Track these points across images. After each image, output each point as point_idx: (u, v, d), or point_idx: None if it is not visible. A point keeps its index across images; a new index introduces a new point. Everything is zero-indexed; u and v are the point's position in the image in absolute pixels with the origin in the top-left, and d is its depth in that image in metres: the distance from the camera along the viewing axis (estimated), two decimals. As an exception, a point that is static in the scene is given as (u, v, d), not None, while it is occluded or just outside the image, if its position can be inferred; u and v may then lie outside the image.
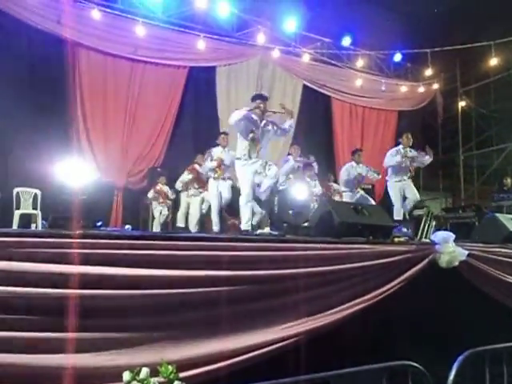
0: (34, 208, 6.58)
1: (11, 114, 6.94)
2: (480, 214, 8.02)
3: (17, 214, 6.48)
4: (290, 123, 4.83)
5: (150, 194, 7.77)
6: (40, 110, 7.25)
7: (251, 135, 4.58)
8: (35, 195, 6.61)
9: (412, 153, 6.51)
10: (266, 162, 4.71)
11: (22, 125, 6.85)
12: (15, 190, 6.67)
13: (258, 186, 4.63)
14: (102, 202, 7.50)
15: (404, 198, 6.53)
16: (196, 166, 7.38)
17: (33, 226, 6.04)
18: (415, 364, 1.78)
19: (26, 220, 6.38)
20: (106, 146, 8.21)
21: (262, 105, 4.67)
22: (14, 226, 6.11)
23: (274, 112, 4.76)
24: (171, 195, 7.81)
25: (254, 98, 4.84)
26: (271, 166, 4.74)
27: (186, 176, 7.52)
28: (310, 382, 1.67)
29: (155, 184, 7.88)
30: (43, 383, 1.89)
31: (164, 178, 7.88)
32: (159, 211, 7.69)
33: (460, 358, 1.95)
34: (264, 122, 4.73)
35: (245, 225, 4.48)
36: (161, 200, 7.73)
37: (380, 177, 7.10)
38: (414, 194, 6.48)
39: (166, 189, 7.83)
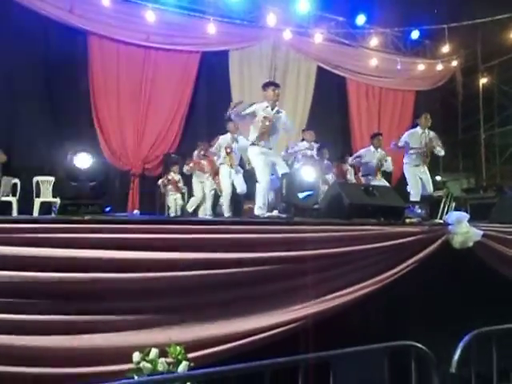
0: (54, 196, 6.74)
1: (28, 104, 7.09)
2: (502, 194, 7.81)
3: (37, 201, 6.67)
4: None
5: (160, 181, 7.81)
6: (55, 98, 7.39)
7: (262, 123, 4.63)
8: (55, 183, 6.76)
9: (430, 134, 6.27)
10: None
11: (39, 114, 6.97)
12: (35, 179, 6.85)
13: (272, 174, 4.69)
14: (116, 189, 7.61)
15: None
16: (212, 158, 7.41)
17: (53, 214, 6.19)
18: (418, 344, 1.76)
19: (47, 208, 6.56)
20: (120, 133, 8.28)
21: (276, 91, 4.73)
22: (35, 214, 6.29)
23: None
24: (182, 185, 7.84)
25: (266, 85, 4.86)
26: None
27: (186, 168, 7.64)
28: (311, 362, 1.68)
29: (168, 172, 7.92)
30: (54, 364, 1.95)
31: (177, 166, 7.91)
32: (174, 199, 7.74)
33: (466, 338, 1.92)
34: (276, 108, 4.77)
35: (258, 209, 4.50)
36: (171, 187, 7.75)
37: (392, 167, 6.93)
38: (427, 180, 6.25)
39: (177, 178, 7.86)
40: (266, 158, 4.65)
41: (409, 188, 6.32)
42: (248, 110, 4.65)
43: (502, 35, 9.29)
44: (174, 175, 7.85)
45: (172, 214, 7.67)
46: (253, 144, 4.74)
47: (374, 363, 1.68)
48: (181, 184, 7.84)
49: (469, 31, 9.45)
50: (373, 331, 2.52)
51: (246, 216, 7.01)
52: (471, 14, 8.53)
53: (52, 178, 6.74)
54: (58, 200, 6.58)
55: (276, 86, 4.84)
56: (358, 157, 6.95)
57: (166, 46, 8.58)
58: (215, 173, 7.01)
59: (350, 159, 7.29)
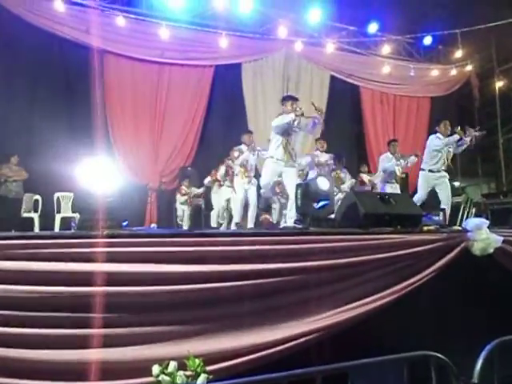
0: (74, 211, 6.88)
1: (47, 122, 7.28)
2: (523, 199, 7.64)
3: (58, 217, 6.81)
4: (318, 120, 4.86)
5: (179, 199, 7.97)
6: (73, 116, 7.59)
7: (284, 141, 4.74)
8: (74, 199, 6.91)
9: (452, 139, 6.09)
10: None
11: (57, 130, 7.15)
12: (56, 195, 7.02)
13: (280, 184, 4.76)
14: (131, 203, 7.70)
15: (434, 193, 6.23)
16: (215, 173, 7.54)
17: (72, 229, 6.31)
18: (438, 354, 1.74)
19: (67, 223, 6.69)
20: (137, 148, 8.43)
21: (294, 105, 4.78)
22: (56, 229, 6.42)
23: (309, 117, 4.79)
24: (198, 194, 7.93)
25: (285, 99, 4.95)
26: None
27: (207, 180, 7.76)
28: (328, 373, 1.67)
29: (180, 187, 8.07)
30: (71, 378, 1.98)
31: (188, 180, 8.05)
32: (182, 212, 7.84)
33: (488, 347, 1.88)
34: (297, 121, 4.81)
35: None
36: (186, 199, 7.88)
37: (417, 159, 6.79)
38: (446, 197, 6.02)
39: (191, 189, 7.99)
40: (278, 169, 4.79)
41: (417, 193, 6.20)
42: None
43: (517, 37, 9.16)
44: (186, 189, 7.97)
45: (180, 223, 7.78)
46: (271, 157, 4.86)
47: (393, 374, 1.66)
48: (197, 190, 7.95)
49: (482, 35, 9.34)
50: (391, 342, 2.48)
51: (263, 227, 7.03)
52: (484, 17, 8.45)
53: (71, 194, 6.89)
54: (77, 215, 6.76)
55: (294, 99, 4.90)
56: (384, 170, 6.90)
57: (180, 61, 8.75)
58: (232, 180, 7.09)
59: (380, 174, 7.20)
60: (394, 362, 1.69)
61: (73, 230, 3.96)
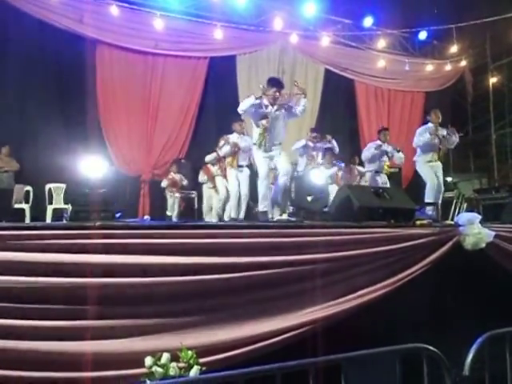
0: (66, 202, 6.83)
1: (39, 113, 7.20)
2: (513, 194, 7.70)
3: (49, 208, 6.76)
4: (303, 103, 4.74)
5: (164, 183, 7.83)
6: (65, 106, 7.51)
7: (262, 125, 4.57)
8: (66, 190, 6.85)
9: (441, 131, 6.19)
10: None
11: (49, 121, 7.08)
12: (47, 186, 6.95)
13: (275, 169, 4.66)
14: (124, 195, 7.65)
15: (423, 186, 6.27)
16: (209, 166, 7.44)
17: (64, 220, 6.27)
18: (430, 347, 1.75)
19: (59, 214, 6.64)
20: (129, 139, 8.35)
21: (277, 92, 4.65)
22: (48, 221, 6.37)
23: (289, 94, 4.70)
24: (184, 182, 7.79)
25: (270, 83, 4.79)
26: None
27: (201, 177, 7.64)
28: (322, 365, 1.67)
29: (168, 173, 7.95)
30: (66, 368, 1.97)
31: (176, 165, 7.93)
32: (172, 201, 7.76)
33: (479, 340, 1.91)
34: (276, 106, 4.71)
35: (261, 205, 4.49)
36: (173, 189, 7.72)
37: (403, 159, 6.88)
38: (440, 185, 6.14)
39: (178, 177, 7.88)
40: (265, 155, 4.65)
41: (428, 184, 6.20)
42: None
43: (511, 34, 9.19)
44: (174, 175, 7.85)
45: (168, 214, 7.67)
46: (254, 144, 4.76)
47: (385, 366, 1.68)
48: (185, 182, 7.85)
49: (477, 30, 9.37)
50: (384, 334, 2.50)
51: (256, 218, 7.01)
52: (479, 13, 8.47)
53: (63, 185, 6.83)
54: (69, 206, 6.71)
55: (279, 87, 4.72)
56: (367, 150, 6.88)
57: (175, 52, 8.66)
58: (225, 176, 7.04)
59: (363, 154, 7.17)
60: (387, 354, 1.70)
61: (65, 221, 3.94)
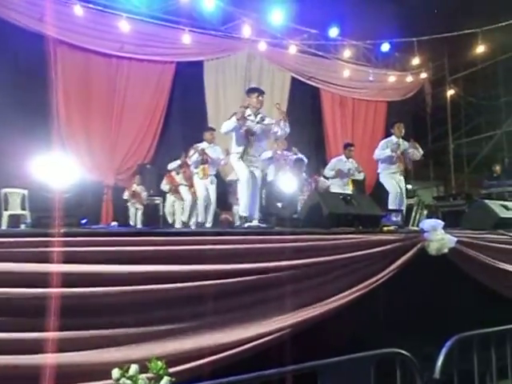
0: (23, 208, 6.53)
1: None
2: (470, 201, 8.05)
3: (5, 214, 6.44)
4: (283, 126, 4.66)
5: (126, 195, 7.73)
6: (23, 108, 7.16)
7: (244, 143, 4.48)
8: (23, 196, 6.55)
9: (404, 145, 6.36)
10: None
11: (6, 124, 6.75)
12: (3, 191, 6.62)
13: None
14: (89, 200, 7.42)
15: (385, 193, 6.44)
16: (173, 174, 7.39)
17: (22, 227, 5.99)
18: (403, 351, 1.77)
19: (15, 221, 6.33)
20: (92, 144, 8.13)
21: (259, 97, 4.56)
22: (3, 227, 6.06)
23: (270, 124, 4.65)
24: (145, 198, 7.73)
25: (250, 91, 4.73)
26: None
27: (164, 186, 7.59)
28: (297, 373, 1.66)
29: (131, 184, 7.85)
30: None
31: (139, 177, 7.84)
32: (134, 211, 7.66)
33: (448, 343, 1.95)
34: (260, 115, 4.60)
35: (243, 210, 4.38)
36: (134, 201, 7.68)
37: (363, 177, 7.15)
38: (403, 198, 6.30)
39: (139, 189, 7.77)
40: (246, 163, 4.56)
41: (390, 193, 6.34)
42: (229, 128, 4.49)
43: (468, 49, 9.66)
44: (136, 187, 7.76)
45: (131, 223, 7.58)
46: (234, 153, 4.62)
47: (360, 371, 1.68)
48: (144, 194, 7.74)
49: (436, 44, 9.79)
50: (357, 340, 2.52)
51: (222, 226, 6.98)
52: (439, 28, 8.85)
53: (20, 191, 6.53)
54: (26, 212, 6.41)
55: (260, 92, 4.63)
56: (332, 170, 7.04)
57: (140, 56, 8.53)
58: (191, 184, 6.97)
59: (326, 171, 7.33)
60: (361, 360, 1.70)
61: (24, 227, 3.75)
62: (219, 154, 6.41)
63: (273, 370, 1.50)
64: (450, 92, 11.62)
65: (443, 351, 1.88)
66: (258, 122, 4.56)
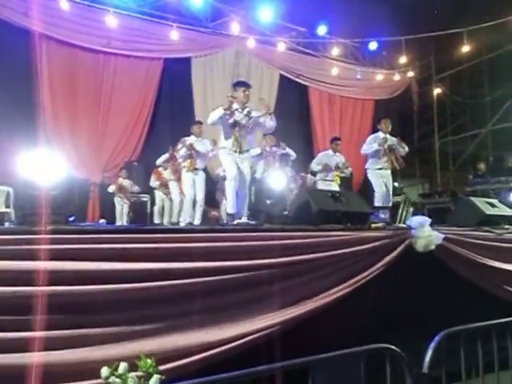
0: (7, 206, 6.41)
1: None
2: (456, 199, 8.15)
3: (-12, 212, 6.31)
4: (270, 119, 4.69)
5: (111, 189, 7.64)
6: (8, 104, 7.02)
7: (233, 135, 4.49)
8: (7, 193, 6.43)
9: (391, 140, 6.41)
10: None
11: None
12: (-16, 189, 6.48)
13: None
14: (75, 197, 7.31)
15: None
16: (160, 170, 7.37)
17: (6, 225, 5.88)
18: (392, 347, 1.79)
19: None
20: (78, 140, 8.02)
21: (246, 91, 4.57)
22: (-14, 225, 5.94)
23: (259, 116, 4.66)
24: (136, 192, 7.65)
25: (236, 85, 4.73)
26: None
27: (153, 182, 7.54)
28: (288, 368, 1.66)
29: (117, 177, 7.75)
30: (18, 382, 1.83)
31: (125, 171, 7.76)
32: (121, 208, 7.57)
33: (436, 338, 1.97)
34: (247, 109, 4.61)
35: (230, 208, 4.39)
36: (121, 195, 7.57)
37: (350, 173, 7.25)
38: (389, 194, 6.37)
39: (126, 183, 7.69)
40: (234, 157, 4.56)
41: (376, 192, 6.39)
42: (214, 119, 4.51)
43: (454, 48, 9.77)
44: (122, 180, 7.66)
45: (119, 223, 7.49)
46: (223, 148, 4.63)
47: (350, 367, 1.69)
48: (135, 189, 7.66)
49: (423, 44, 9.89)
50: (346, 336, 2.53)
51: (211, 223, 6.95)
52: (426, 27, 8.93)
53: (4, 188, 6.40)
54: (11, 210, 6.29)
55: (247, 86, 4.65)
56: (319, 164, 7.04)
57: (127, 51, 8.43)
58: (179, 178, 6.93)
59: (312, 165, 7.33)
60: (352, 355, 1.72)
61: (8, 225, 3.68)
62: (208, 147, 6.36)
63: (263, 367, 1.50)
64: (437, 91, 11.74)
65: (431, 346, 1.91)
66: (245, 115, 4.58)
